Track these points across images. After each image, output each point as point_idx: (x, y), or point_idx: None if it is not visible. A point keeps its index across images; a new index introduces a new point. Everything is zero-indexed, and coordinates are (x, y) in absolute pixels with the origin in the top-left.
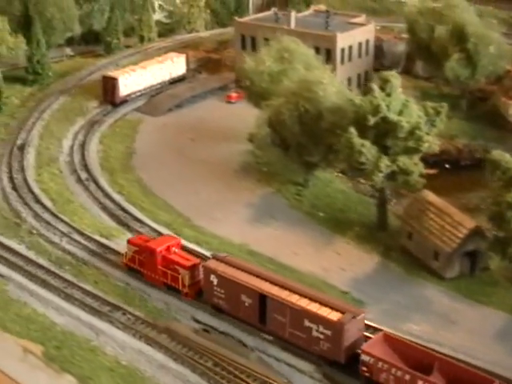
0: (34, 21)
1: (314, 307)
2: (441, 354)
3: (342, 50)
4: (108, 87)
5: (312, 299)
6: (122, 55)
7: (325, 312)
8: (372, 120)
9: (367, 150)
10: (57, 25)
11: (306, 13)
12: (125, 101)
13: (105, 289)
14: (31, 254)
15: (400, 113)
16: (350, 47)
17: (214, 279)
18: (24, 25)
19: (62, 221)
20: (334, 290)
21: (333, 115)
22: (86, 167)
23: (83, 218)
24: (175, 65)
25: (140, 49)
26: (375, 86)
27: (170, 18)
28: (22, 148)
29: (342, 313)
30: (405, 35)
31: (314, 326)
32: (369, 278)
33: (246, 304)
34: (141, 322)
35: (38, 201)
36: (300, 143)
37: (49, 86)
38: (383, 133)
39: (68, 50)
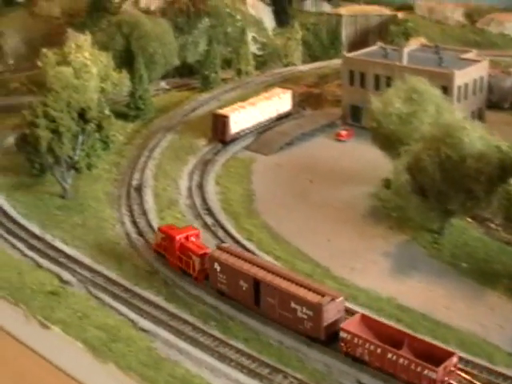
0: (136, 56)
1: (299, 291)
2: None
3: (459, 88)
4: (218, 125)
5: (299, 284)
6: (222, 90)
7: (308, 295)
8: None
9: None
10: (158, 59)
11: (413, 47)
12: (235, 139)
13: (257, 347)
14: (172, 308)
15: None
16: (466, 85)
17: (217, 267)
18: (126, 60)
19: None
20: (499, 351)
21: (477, 162)
22: (209, 211)
23: None
24: (282, 101)
25: (239, 83)
26: None
27: (262, 50)
28: (138, 189)
29: (323, 296)
30: None
31: (298, 308)
32: None
33: (244, 288)
34: None
35: None
36: (440, 190)
37: (151, 121)
38: None
39: (163, 84)
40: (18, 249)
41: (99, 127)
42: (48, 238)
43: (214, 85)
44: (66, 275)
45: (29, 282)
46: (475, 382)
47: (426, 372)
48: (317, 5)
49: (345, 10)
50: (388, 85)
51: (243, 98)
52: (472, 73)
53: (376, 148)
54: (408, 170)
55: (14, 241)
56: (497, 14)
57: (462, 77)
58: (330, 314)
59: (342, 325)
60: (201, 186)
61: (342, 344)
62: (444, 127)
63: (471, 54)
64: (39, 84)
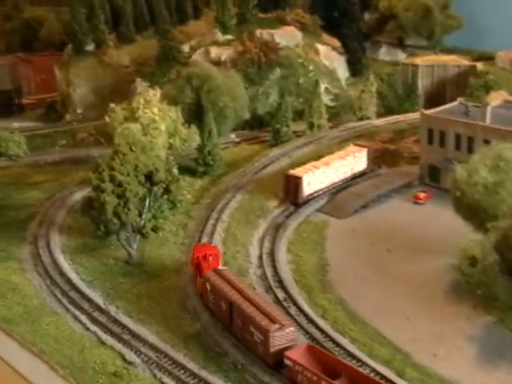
0: (206, 110)
1: (257, 315)
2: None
3: None
4: (290, 186)
5: (260, 309)
6: (293, 145)
7: (262, 320)
8: None
9: None
10: (229, 113)
11: (496, 103)
12: (308, 201)
13: None
14: None
15: None
16: None
17: (208, 287)
18: (195, 114)
19: None
20: None
21: None
22: (280, 284)
23: None
24: (357, 160)
25: (311, 138)
26: None
27: (335, 101)
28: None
29: (274, 322)
30: None
31: (254, 331)
32: None
33: (223, 309)
34: None
35: None
36: None
37: (220, 178)
38: None
39: (233, 136)
40: (81, 321)
41: (167, 191)
42: (112, 310)
43: (285, 139)
44: (130, 355)
45: (91, 360)
46: None
47: None
48: (391, 53)
49: (420, 60)
50: (470, 145)
51: (316, 155)
52: None
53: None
54: (496, 248)
55: (77, 312)
56: None
57: None
58: (278, 340)
59: (286, 352)
60: (272, 254)
61: (287, 370)
62: None
63: None
64: (107, 135)
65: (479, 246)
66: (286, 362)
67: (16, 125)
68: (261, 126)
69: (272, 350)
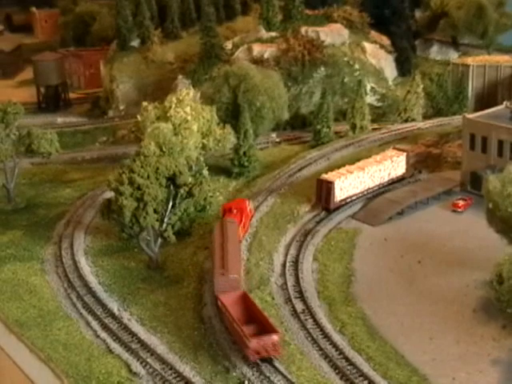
0: (242, 110)
1: (217, 261)
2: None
3: None
4: (322, 191)
5: (224, 257)
6: (333, 147)
7: (218, 265)
8: None
9: None
10: (266, 114)
11: None
12: (340, 206)
13: None
14: None
15: None
16: None
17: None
18: (232, 113)
19: (277, 370)
20: None
21: None
22: (301, 294)
23: (302, 368)
24: (394, 164)
25: (352, 140)
26: None
27: (381, 101)
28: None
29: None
30: None
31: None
32: None
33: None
34: None
35: None
36: None
37: (255, 180)
38: None
39: (273, 136)
40: (92, 328)
41: (189, 194)
42: (125, 316)
43: (325, 140)
44: (136, 365)
45: (96, 370)
46: None
47: (246, 340)
48: (443, 52)
49: (472, 60)
50: None
51: (355, 158)
52: None
53: None
54: None
55: (90, 318)
56: None
57: None
58: (222, 284)
59: (219, 295)
60: (296, 263)
61: (218, 310)
62: None
63: None
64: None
65: (507, 264)
66: (218, 303)
67: (60, 120)
68: (303, 126)
69: (216, 291)
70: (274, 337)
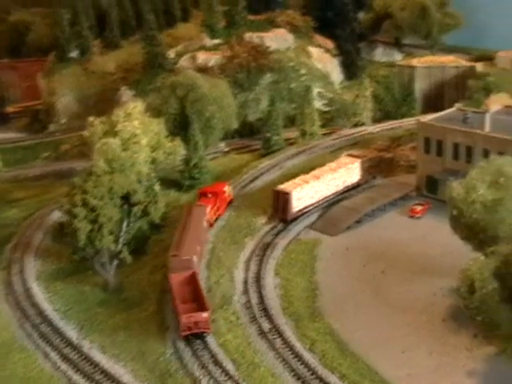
0: (191, 121)
1: (175, 241)
2: None
3: None
4: (279, 202)
5: (182, 238)
6: (284, 155)
7: (174, 246)
8: None
9: None
10: (215, 124)
11: (495, 109)
12: (297, 217)
13: None
14: None
15: None
16: None
17: None
18: (181, 125)
19: None
20: None
21: None
22: (266, 312)
23: None
24: (349, 171)
25: (304, 147)
26: None
27: (329, 105)
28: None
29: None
30: None
31: None
32: None
33: None
34: None
35: (216, 362)
36: None
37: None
38: None
39: (222, 145)
40: (51, 359)
41: (145, 213)
42: (85, 345)
43: (276, 148)
44: None
45: None
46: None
47: (178, 316)
48: (387, 54)
49: (417, 61)
50: (468, 155)
51: (308, 166)
52: None
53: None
54: (496, 274)
55: (48, 349)
56: None
57: None
58: (176, 264)
59: (170, 274)
60: (258, 279)
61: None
62: None
63: None
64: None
65: (477, 273)
66: (170, 280)
67: None
68: (251, 134)
69: (170, 271)
70: (204, 314)
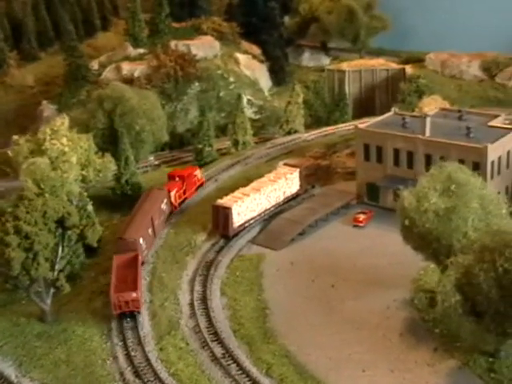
0: (121, 135)
1: (127, 224)
2: None
3: (492, 163)
4: (219, 218)
5: (133, 221)
6: (219, 167)
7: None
8: None
9: None
10: (146, 137)
11: (432, 113)
12: (239, 232)
13: None
14: None
15: None
16: (500, 158)
17: None
18: (110, 139)
19: None
20: None
21: None
22: (216, 336)
23: None
24: (288, 182)
25: (238, 157)
26: None
27: (259, 113)
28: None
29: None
30: None
31: None
32: None
33: None
34: None
35: None
36: (498, 310)
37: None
38: None
39: (152, 159)
40: None
41: (81, 237)
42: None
43: (208, 159)
44: None
45: None
46: None
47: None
48: (315, 58)
49: (347, 65)
50: (410, 160)
51: (244, 177)
52: (506, 144)
53: (400, 237)
54: (457, 287)
55: None
56: None
57: (495, 150)
58: (122, 247)
59: (115, 255)
60: (205, 300)
61: None
62: (498, 235)
63: (500, 119)
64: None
65: (440, 286)
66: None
67: None
68: (182, 146)
69: (114, 252)
70: (133, 294)
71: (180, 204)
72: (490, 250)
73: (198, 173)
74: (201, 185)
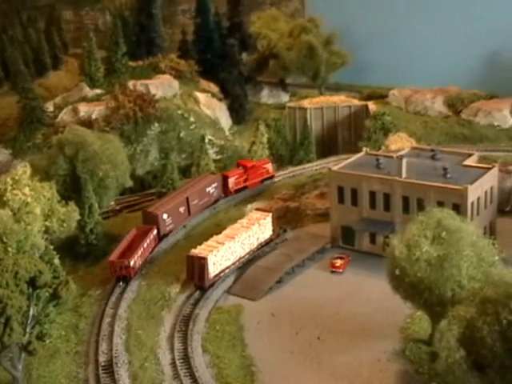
0: (84, 182)
1: None
2: None
3: (472, 204)
4: (194, 268)
5: None
6: None
7: None
8: None
9: None
10: (110, 183)
11: (404, 152)
12: (214, 282)
13: None
14: None
15: None
16: (478, 199)
17: None
18: (72, 186)
19: None
20: None
21: None
22: None
23: None
24: (262, 227)
25: None
26: None
27: (220, 153)
28: (109, 368)
29: None
30: None
31: None
32: None
33: None
34: None
35: None
36: (503, 364)
37: (106, 258)
38: None
39: (112, 204)
40: None
41: (55, 296)
42: None
43: None
44: None
45: None
46: None
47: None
48: (273, 95)
49: (308, 102)
50: (387, 203)
51: (214, 223)
52: (483, 184)
53: (381, 281)
54: (459, 341)
55: None
56: (482, 102)
57: (475, 191)
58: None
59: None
60: (187, 359)
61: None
62: (501, 286)
63: (474, 158)
64: None
65: (443, 341)
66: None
67: None
68: (143, 189)
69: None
70: (126, 261)
71: (237, 191)
72: (493, 302)
73: (269, 166)
74: (269, 177)
